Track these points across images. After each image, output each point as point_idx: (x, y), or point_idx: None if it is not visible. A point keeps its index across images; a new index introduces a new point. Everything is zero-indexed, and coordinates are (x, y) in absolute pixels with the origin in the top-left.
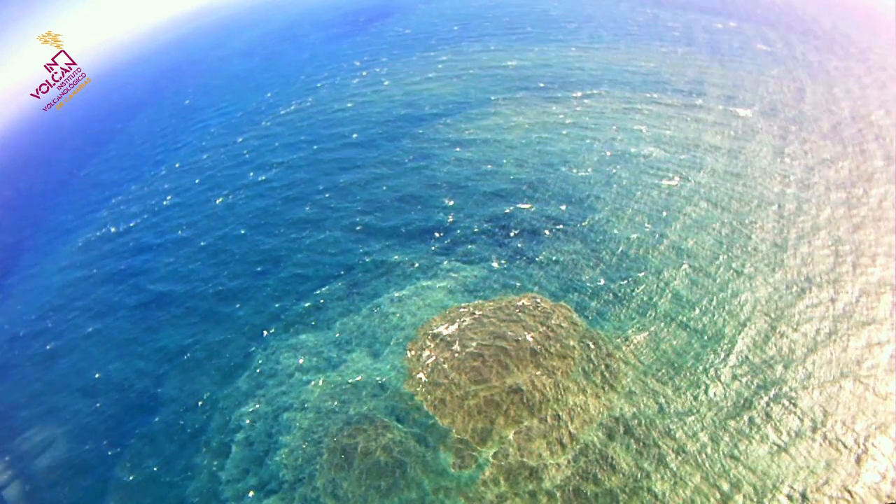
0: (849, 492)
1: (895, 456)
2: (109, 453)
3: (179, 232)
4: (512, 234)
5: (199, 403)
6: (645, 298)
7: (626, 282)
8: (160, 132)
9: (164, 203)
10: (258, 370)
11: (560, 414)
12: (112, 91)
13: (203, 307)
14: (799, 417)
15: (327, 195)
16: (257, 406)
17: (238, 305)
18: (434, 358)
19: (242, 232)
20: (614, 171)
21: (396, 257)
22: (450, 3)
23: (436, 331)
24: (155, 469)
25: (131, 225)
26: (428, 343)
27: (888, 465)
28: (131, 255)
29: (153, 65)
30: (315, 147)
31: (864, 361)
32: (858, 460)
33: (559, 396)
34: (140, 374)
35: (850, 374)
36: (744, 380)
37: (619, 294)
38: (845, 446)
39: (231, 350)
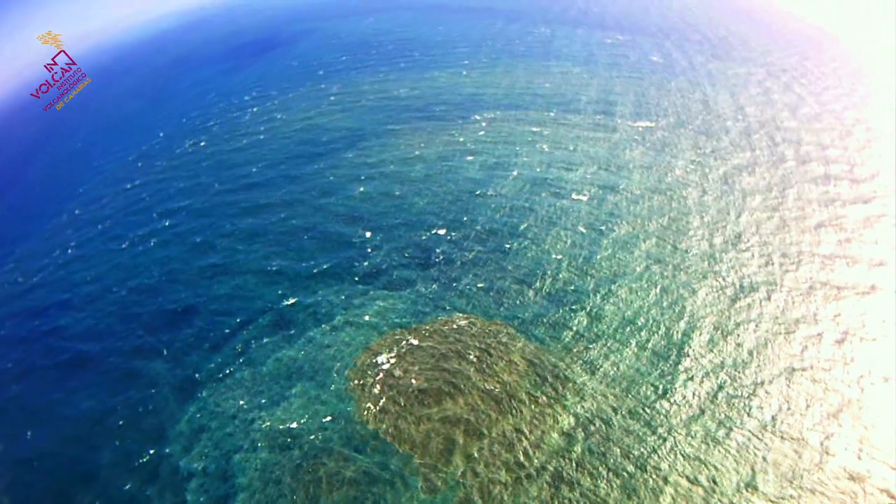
0: (819, 480)
1: (852, 440)
2: None
3: (88, 285)
4: (435, 261)
5: (143, 461)
6: (581, 315)
7: (559, 300)
8: (55, 179)
9: (69, 254)
10: (198, 415)
11: (518, 428)
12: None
13: (123, 364)
14: (756, 415)
15: (235, 238)
16: (205, 451)
17: (161, 358)
18: (379, 386)
19: (152, 282)
20: (527, 194)
21: (320, 292)
22: (333, 33)
23: (375, 359)
24: None
25: (36, 280)
26: (369, 372)
27: (847, 449)
28: (41, 312)
29: (38, 110)
30: (216, 187)
31: (805, 354)
32: (821, 448)
33: (513, 411)
34: (70, 440)
35: (796, 369)
36: (696, 385)
37: (555, 311)
38: (805, 437)
39: (161, 403)
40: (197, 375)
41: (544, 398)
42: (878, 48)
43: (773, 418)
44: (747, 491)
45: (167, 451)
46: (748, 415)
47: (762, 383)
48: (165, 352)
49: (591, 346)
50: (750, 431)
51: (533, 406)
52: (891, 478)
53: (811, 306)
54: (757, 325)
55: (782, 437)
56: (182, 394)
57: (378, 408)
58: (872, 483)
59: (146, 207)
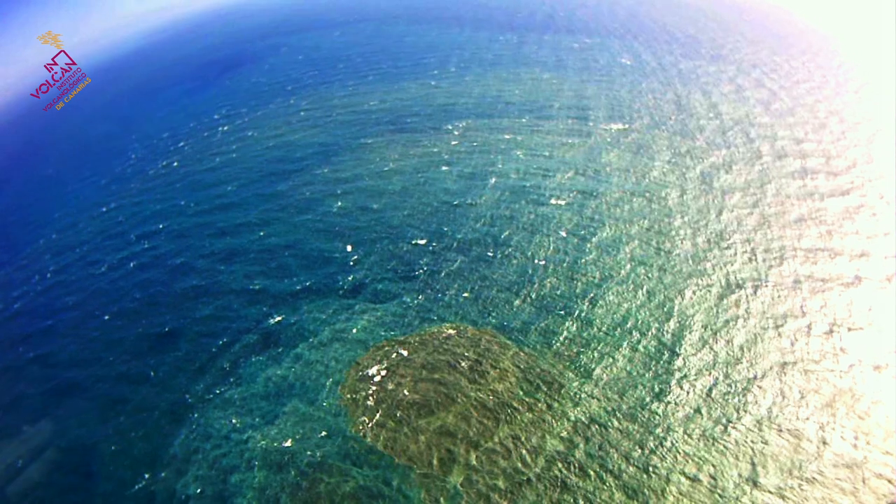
0: (818, 470)
1: (848, 428)
2: None
3: (70, 311)
4: (419, 273)
5: (139, 487)
6: (570, 320)
7: (547, 306)
8: (29, 205)
9: (48, 279)
10: (191, 437)
11: (515, 436)
12: None
13: (111, 390)
14: (752, 410)
15: (214, 259)
16: (200, 474)
17: (148, 382)
18: (372, 399)
19: (134, 305)
20: (507, 202)
21: (304, 309)
22: (300, 47)
23: (366, 372)
24: None
25: (17, 307)
26: (361, 385)
27: (844, 437)
28: (24, 339)
29: (8, 137)
30: (192, 208)
31: (796, 347)
32: (817, 438)
33: (509, 419)
34: (63, 469)
35: (787, 362)
36: (690, 384)
37: (543, 318)
38: (802, 429)
39: (153, 427)
40: (186, 397)
41: (539, 405)
42: (846, 38)
43: (769, 412)
44: (748, 485)
45: (162, 475)
46: (744, 410)
47: (755, 378)
48: (153, 374)
49: (582, 351)
50: (746, 427)
51: (528, 413)
52: (888, 463)
53: (797, 300)
54: (746, 322)
55: (779, 431)
56: (172, 417)
57: (373, 421)
58: (870, 469)
59: (123, 231)
